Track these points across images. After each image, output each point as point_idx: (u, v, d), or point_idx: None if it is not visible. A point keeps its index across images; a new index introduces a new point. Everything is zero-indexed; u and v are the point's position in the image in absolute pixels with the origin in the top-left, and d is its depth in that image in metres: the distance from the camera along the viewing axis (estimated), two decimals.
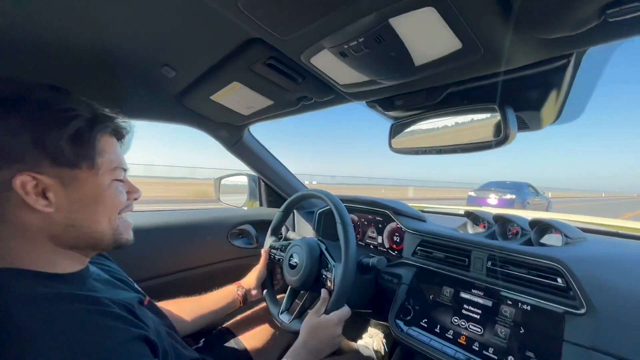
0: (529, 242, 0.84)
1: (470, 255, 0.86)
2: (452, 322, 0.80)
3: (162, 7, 0.56)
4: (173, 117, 1.06)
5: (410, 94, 0.74)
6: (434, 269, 0.94)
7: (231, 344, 0.94)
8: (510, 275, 0.77)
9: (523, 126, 0.71)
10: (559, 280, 0.70)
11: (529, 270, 0.75)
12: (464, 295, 0.83)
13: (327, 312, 0.80)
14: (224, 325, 1.01)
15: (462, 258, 0.87)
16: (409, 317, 0.88)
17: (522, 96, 0.62)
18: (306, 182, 1.59)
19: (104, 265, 0.67)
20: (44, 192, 0.47)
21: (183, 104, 0.98)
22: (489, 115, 0.66)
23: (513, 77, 0.59)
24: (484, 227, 1.02)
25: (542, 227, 0.85)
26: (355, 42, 0.54)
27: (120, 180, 0.56)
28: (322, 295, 0.83)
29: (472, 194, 11.03)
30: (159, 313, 0.71)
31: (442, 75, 0.62)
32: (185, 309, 0.88)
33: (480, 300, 0.79)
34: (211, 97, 0.90)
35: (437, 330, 0.81)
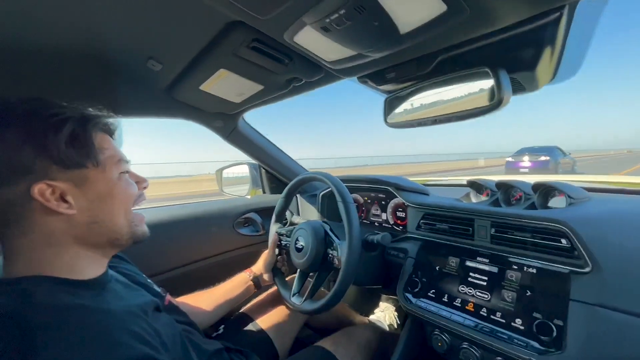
0: (532, 207, 0.83)
1: (473, 224, 0.86)
2: (459, 291, 0.81)
3: None
4: (165, 111, 1.05)
5: (400, 65, 0.72)
6: (438, 240, 0.94)
7: (250, 327, 0.97)
8: (515, 240, 0.77)
9: (519, 88, 0.69)
10: (563, 241, 0.69)
11: (532, 233, 0.75)
12: (469, 263, 0.83)
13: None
14: (241, 311, 1.04)
15: (466, 227, 0.87)
16: (417, 289, 0.88)
17: (515, 56, 0.60)
18: None
19: (122, 268, 0.68)
20: (62, 196, 0.49)
21: (173, 97, 0.97)
22: (482, 79, 0.64)
23: (504, 37, 0.57)
24: (487, 195, 1.01)
25: (546, 190, 0.84)
26: (337, 15, 0.52)
27: (126, 172, 0.58)
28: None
29: (510, 159, 11.92)
30: (179, 312, 0.73)
31: (430, 41, 0.60)
32: (203, 302, 0.90)
33: (486, 267, 0.80)
34: (200, 87, 0.89)
35: (445, 299, 0.82)
